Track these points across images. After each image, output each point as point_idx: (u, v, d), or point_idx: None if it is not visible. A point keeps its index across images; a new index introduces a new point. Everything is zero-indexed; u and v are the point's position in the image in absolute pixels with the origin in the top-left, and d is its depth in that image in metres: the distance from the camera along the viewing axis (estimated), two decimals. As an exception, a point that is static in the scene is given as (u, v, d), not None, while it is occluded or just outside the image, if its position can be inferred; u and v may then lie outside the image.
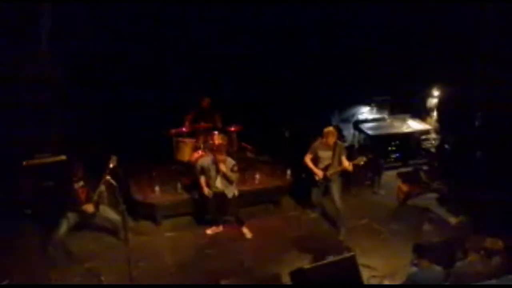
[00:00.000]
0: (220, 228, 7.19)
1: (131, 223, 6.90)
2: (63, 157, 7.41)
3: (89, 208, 6.30)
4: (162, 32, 8.58)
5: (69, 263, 6.25)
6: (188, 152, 8.09)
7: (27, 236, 6.81)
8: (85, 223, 6.73)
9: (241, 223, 7.07)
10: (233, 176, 6.80)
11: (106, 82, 8.36)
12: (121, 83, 8.41)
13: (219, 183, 6.82)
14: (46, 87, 7.83)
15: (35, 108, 7.76)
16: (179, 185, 7.62)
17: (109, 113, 8.34)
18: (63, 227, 6.27)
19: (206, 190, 6.85)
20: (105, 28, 8.16)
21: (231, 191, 6.87)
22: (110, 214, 6.53)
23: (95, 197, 6.30)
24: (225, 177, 6.73)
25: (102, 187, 6.19)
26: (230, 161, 6.80)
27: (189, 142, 8.14)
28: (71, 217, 6.32)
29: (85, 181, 6.37)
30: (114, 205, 6.37)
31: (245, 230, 7.04)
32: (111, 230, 6.79)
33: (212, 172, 6.79)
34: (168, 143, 8.14)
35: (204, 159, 7.06)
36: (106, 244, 6.72)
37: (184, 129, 8.22)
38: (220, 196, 6.87)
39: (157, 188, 7.47)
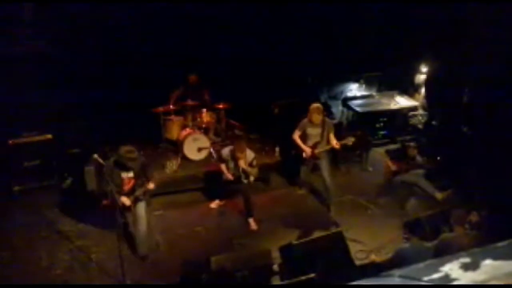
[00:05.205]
0: (222, 202, 7.20)
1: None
2: (49, 136, 7.34)
3: (126, 201, 5.58)
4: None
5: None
6: (176, 130, 8.05)
7: (16, 215, 6.85)
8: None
9: (249, 213, 6.76)
10: (253, 172, 6.69)
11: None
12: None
13: (237, 171, 6.70)
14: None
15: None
16: (167, 164, 7.58)
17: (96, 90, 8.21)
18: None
19: (229, 176, 6.72)
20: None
21: (247, 178, 6.71)
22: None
23: (138, 193, 5.68)
24: (243, 172, 6.61)
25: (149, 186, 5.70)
26: (250, 154, 6.70)
27: (176, 120, 8.07)
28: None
29: (136, 172, 5.64)
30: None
31: (251, 221, 6.72)
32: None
33: (231, 164, 6.71)
34: (155, 121, 8.07)
35: (224, 150, 6.84)
36: (95, 223, 6.70)
37: (171, 106, 8.11)
38: (234, 179, 6.78)
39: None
